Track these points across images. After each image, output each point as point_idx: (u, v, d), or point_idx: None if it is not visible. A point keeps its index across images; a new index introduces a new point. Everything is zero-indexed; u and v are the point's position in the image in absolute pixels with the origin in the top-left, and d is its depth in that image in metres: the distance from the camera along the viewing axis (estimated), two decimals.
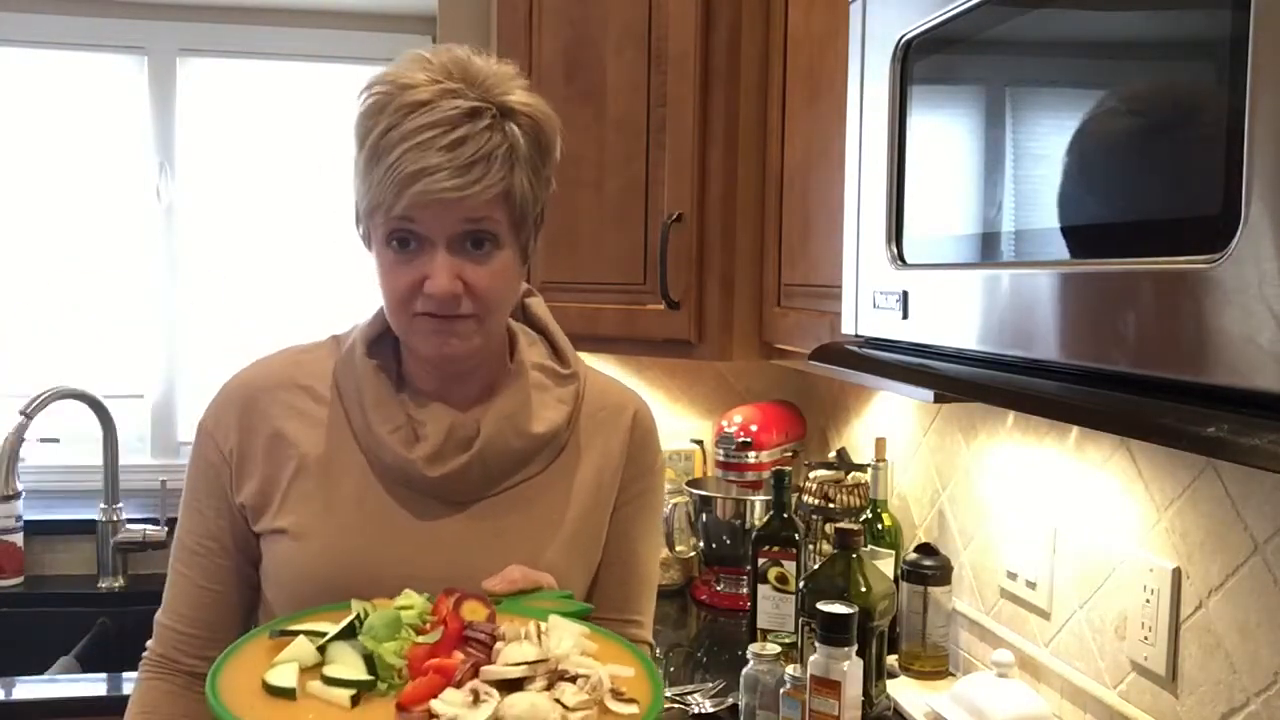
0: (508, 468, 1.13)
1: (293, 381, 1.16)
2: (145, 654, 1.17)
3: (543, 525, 1.14)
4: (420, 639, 0.92)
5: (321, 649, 0.90)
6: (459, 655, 0.88)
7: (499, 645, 0.90)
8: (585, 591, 1.19)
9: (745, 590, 2.01)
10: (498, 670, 0.87)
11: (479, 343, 1.09)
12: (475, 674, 0.87)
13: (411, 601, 0.98)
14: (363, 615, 0.93)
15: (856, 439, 2.19)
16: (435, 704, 0.83)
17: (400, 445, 1.09)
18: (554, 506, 1.15)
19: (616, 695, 0.87)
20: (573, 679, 0.87)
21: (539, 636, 0.92)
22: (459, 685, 0.85)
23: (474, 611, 0.95)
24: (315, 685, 0.86)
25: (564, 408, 1.16)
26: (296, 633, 0.93)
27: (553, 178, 1.15)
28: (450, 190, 1.00)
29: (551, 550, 1.13)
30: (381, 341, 1.15)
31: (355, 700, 0.85)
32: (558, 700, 0.85)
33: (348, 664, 0.88)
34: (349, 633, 0.91)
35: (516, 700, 0.84)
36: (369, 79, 1.06)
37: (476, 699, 0.84)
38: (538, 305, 1.25)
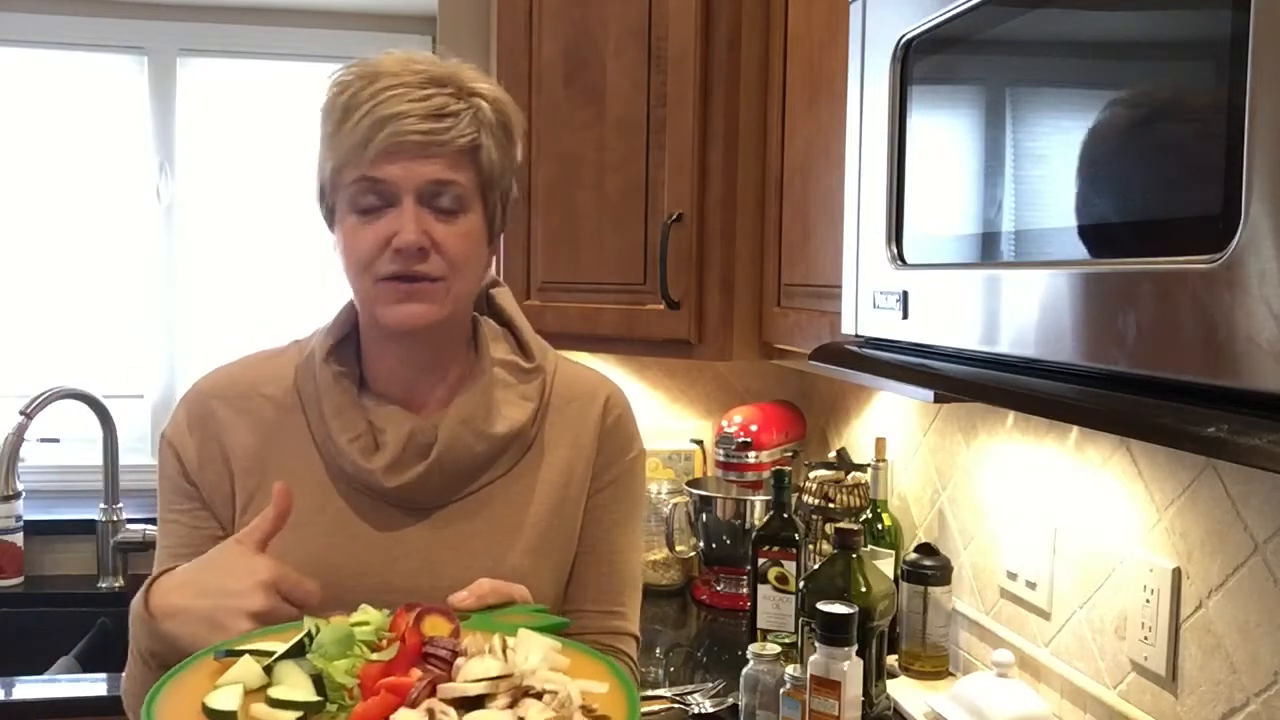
0: (470, 471, 1.11)
1: (254, 390, 1.14)
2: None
3: (507, 528, 1.12)
4: (374, 656, 0.87)
5: (268, 669, 0.84)
6: (416, 673, 0.83)
7: (460, 661, 0.85)
8: (557, 591, 1.16)
9: (745, 590, 2.01)
10: (457, 687, 0.81)
11: (445, 313, 1.07)
12: (432, 692, 0.81)
13: (368, 617, 0.93)
14: (314, 632, 0.88)
15: (856, 439, 2.19)
16: None
17: (359, 455, 1.07)
18: (519, 507, 1.13)
19: (587, 712, 0.82)
20: (539, 695, 0.82)
21: (504, 651, 0.86)
22: (414, 705, 0.79)
23: (436, 627, 0.90)
24: (259, 708, 0.80)
25: (528, 405, 1.14)
26: (243, 653, 0.87)
27: (516, 175, 1.13)
28: (420, 134, 1.01)
29: (517, 553, 1.11)
30: (344, 346, 1.14)
31: None
32: (521, 719, 0.79)
33: (294, 684, 0.82)
34: (297, 651, 0.85)
35: (476, 719, 0.79)
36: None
37: (432, 718, 0.78)
38: (503, 296, 1.22)
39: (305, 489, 1.09)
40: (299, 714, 0.80)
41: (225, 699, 0.81)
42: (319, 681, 0.83)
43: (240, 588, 0.94)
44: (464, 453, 1.09)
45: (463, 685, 0.81)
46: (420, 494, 1.09)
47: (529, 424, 1.14)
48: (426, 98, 1.02)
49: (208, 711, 0.81)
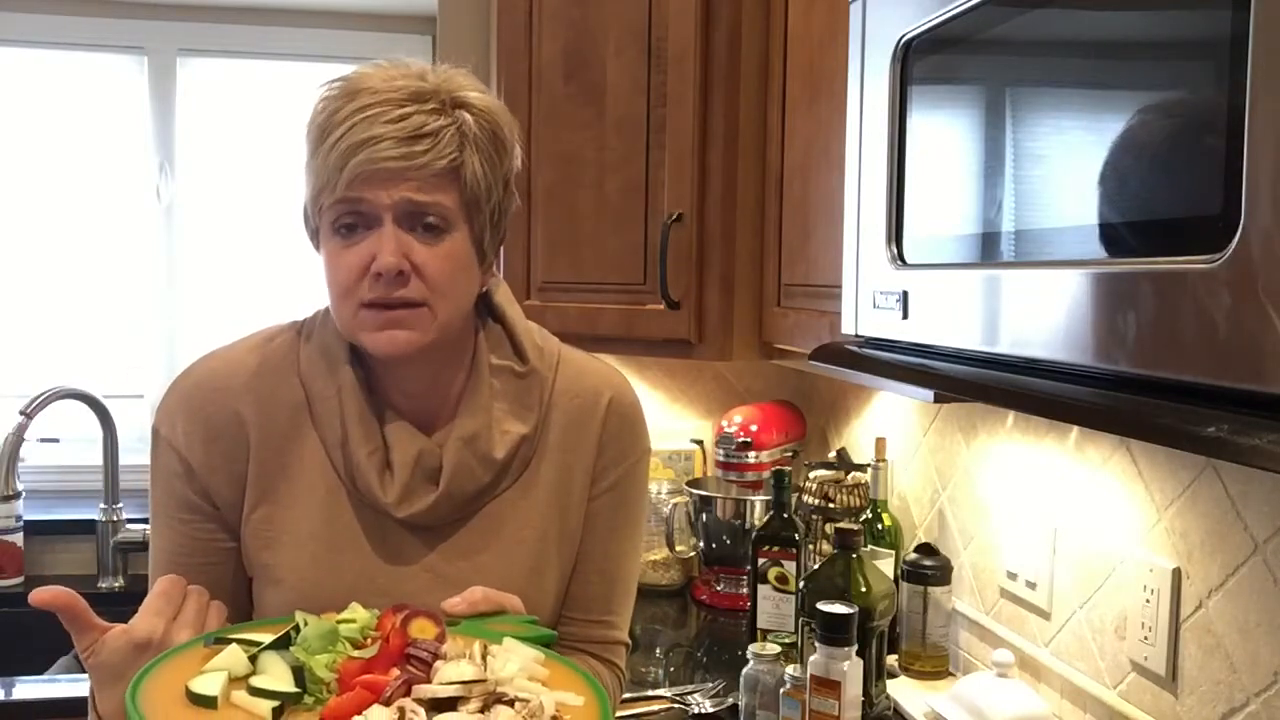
0: (476, 494, 1.08)
1: (257, 379, 1.09)
2: None
3: (515, 541, 1.10)
4: (356, 653, 0.88)
5: (254, 659, 0.86)
6: (395, 672, 0.84)
7: (438, 664, 0.86)
8: (562, 594, 1.15)
9: (745, 590, 2.01)
10: (430, 689, 0.82)
11: (430, 338, 1.03)
12: (407, 692, 0.82)
13: (355, 615, 0.94)
14: (301, 625, 0.90)
15: (856, 439, 2.19)
16: None
17: (374, 473, 1.05)
18: (526, 520, 1.11)
19: None
20: (510, 703, 0.82)
21: (482, 657, 0.87)
22: (387, 703, 0.81)
23: (423, 630, 0.91)
24: (240, 695, 0.82)
25: (530, 415, 1.11)
26: (232, 641, 0.89)
27: (512, 187, 1.09)
28: (394, 160, 0.97)
29: (526, 568, 1.10)
30: (356, 349, 1.09)
31: (279, 713, 0.81)
32: None
33: (276, 675, 0.84)
34: (283, 643, 0.87)
35: None
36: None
37: (402, 717, 0.79)
38: (499, 294, 1.15)
39: (314, 495, 1.07)
40: (276, 703, 0.82)
41: (208, 684, 0.83)
42: (300, 674, 0.84)
43: (140, 661, 0.93)
44: (469, 479, 1.07)
45: (436, 687, 0.82)
46: (428, 519, 1.07)
47: (531, 435, 1.11)
48: (404, 118, 0.98)
49: (190, 695, 0.82)
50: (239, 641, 0.89)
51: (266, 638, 0.89)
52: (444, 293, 1.02)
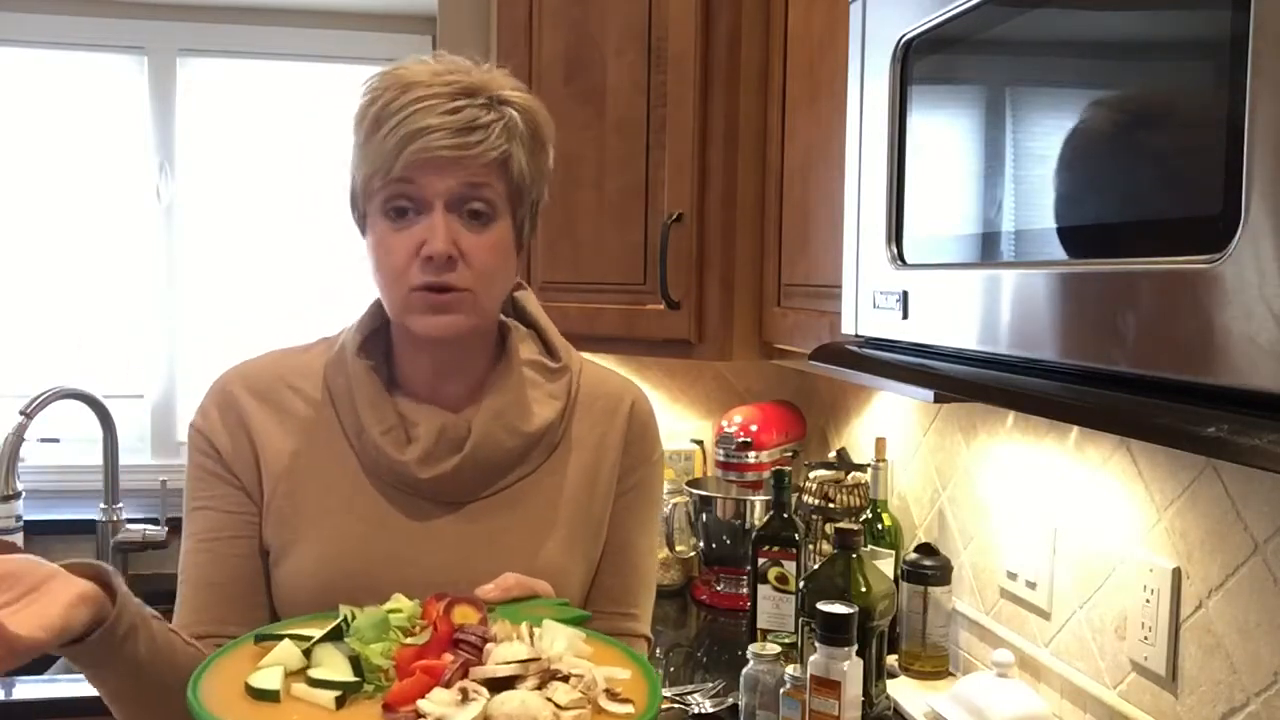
0: (501, 467, 1.12)
1: (282, 382, 1.14)
2: None
3: (539, 523, 1.13)
4: (408, 640, 0.91)
5: (307, 653, 0.88)
6: (449, 657, 0.87)
7: (489, 646, 0.89)
8: (585, 588, 1.17)
9: (745, 590, 2.01)
10: (488, 669, 0.85)
11: (474, 323, 1.09)
12: (465, 674, 0.85)
13: (400, 605, 0.97)
14: (350, 618, 0.92)
15: (856, 439, 2.19)
16: (422, 703, 0.81)
17: (392, 447, 1.09)
18: (550, 504, 1.14)
19: (611, 696, 0.86)
20: (565, 678, 0.86)
21: (531, 638, 0.91)
22: (448, 685, 0.84)
23: (465, 615, 0.94)
24: (300, 688, 0.85)
25: (556, 403, 1.16)
26: (282, 637, 0.91)
27: (547, 181, 1.15)
28: (449, 149, 1.02)
29: (550, 548, 1.13)
30: (374, 341, 1.14)
31: (341, 702, 0.83)
32: (549, 699, 0.83)
33: (333, 666, 0.86)
34: (335, 635, 0.90)
35: (507, 698, 0.82)
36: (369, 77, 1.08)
37: (465, 698, 0.82)
38: (528, 299, 1.24)
39: (338, 483, 1.11)
40: (338, 693, 0.84)
41: (268, 679, 0.85)
42: (356, 663, 0.86)
43: None
44: (496, 448, 1.11)
45: (494, 667, 0.85)
46: (453, 487, 1.10)
47: (557, 421, 1.15)
48: (456, 110, 1.02)
49: (251, 690, 0.84)
50: (289, 637, 0.91)
51: (314, 632, 0.91)
52: (488, 280, 1.08)
